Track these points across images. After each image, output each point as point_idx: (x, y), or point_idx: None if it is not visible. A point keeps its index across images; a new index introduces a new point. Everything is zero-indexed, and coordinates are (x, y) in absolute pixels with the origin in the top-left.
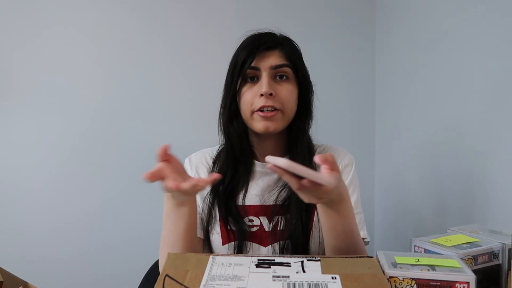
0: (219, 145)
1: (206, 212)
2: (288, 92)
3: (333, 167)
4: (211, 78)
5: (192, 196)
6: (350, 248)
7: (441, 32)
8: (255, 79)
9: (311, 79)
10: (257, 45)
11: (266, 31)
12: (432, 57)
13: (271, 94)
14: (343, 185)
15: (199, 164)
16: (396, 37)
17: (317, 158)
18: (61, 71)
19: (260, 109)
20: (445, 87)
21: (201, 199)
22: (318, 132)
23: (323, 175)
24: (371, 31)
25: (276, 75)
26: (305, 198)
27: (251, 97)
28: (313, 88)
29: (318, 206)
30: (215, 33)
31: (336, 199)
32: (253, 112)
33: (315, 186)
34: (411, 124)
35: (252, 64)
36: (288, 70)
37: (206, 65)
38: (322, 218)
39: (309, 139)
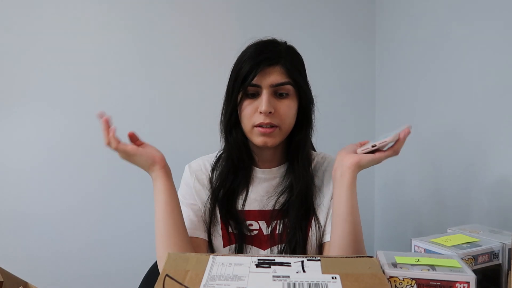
0: (217, 151)
1: (207, 214)
2: (287, 108)
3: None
4: (213, 79)
5: (144, 163)
6: (359, 230)
7: (441, 32)
8: (255, 95)
9: (313, 88)
10: (259, 60)
11: (269, 37)
12: (432, 57)
13: (270, 112)
14: None
15: (199, 171)
16: (396, 37)
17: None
18: (61, 71)
19: (259, 125)
20: (445, 87)
21: (202, 203)
22: (318, 133)
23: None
24: (371, 31)
25: (277, 92)
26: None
27: (251, 112)
28: (314, 100)
29: (351, 186)
30: (217, 35)
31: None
32: (252, 126)
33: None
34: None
35: (253, 82)
36: (289, 87)
37: (208, 67)
38: (352, 196)
39: (309, 149)
